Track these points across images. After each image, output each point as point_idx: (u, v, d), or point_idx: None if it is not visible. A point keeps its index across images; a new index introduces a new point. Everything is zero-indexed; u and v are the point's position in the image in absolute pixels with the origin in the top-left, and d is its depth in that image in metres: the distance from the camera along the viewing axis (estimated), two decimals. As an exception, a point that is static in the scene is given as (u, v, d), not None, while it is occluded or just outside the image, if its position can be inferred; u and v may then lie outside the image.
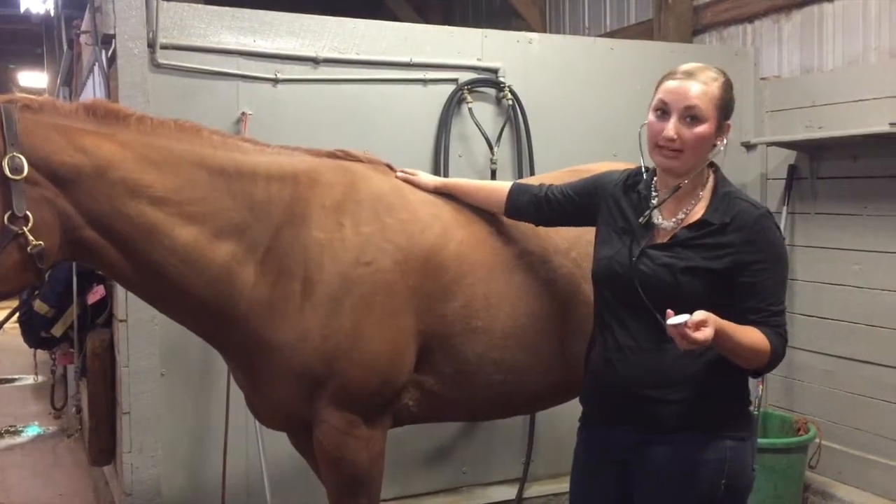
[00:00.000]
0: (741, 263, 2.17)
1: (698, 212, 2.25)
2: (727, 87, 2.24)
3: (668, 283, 2.19)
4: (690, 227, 2.24)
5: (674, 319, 1.95)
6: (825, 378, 4.62)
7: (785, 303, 2.23)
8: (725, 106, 2.23)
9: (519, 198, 2.74)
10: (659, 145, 2.21)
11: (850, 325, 4.47)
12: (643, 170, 2.41)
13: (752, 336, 2.11)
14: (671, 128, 2.17)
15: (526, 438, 4.36)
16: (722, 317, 2.04)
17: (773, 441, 4.37)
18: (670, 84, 2.21)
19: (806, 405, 4.72)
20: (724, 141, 2.24)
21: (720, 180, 2.30)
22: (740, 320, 2.12)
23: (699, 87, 2.18)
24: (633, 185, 2.41)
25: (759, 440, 4.25)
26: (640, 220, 2.30)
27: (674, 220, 2.27)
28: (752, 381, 4.60)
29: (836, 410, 4.56)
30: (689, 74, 2.20)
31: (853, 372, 4.45)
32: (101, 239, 2.37)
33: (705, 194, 2.27)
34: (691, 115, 2.17)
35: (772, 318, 2.17)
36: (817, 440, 4.48)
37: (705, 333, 1.94)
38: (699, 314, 1.96)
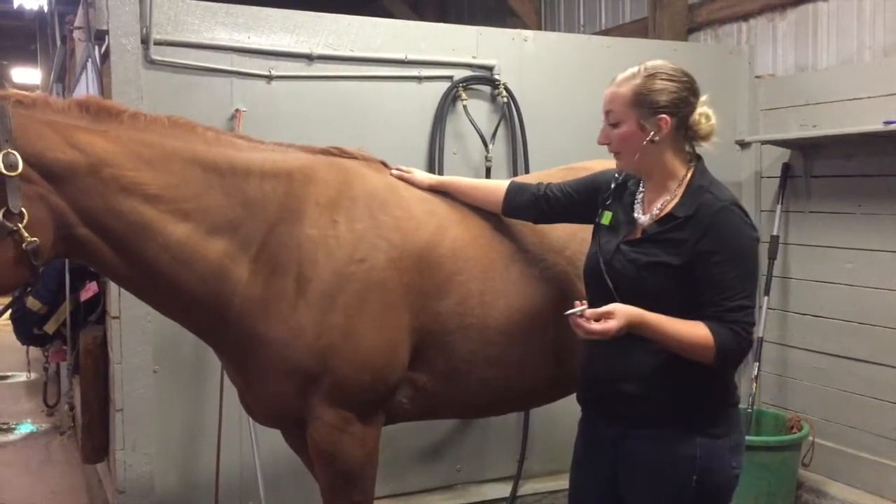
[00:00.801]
0: (696, 255, 2.18)
1: (669, 207, 2.27)
2: (646, 81, 2.25)
3: (631, 278, 2.24)
4: (659, 221, 2.27)
5: (572, 310, 2.11)
6: (818, 376, 4.63)
7: (749, 298, 2.19)
8: (642, 101, 2.25)
9: (517, 196, 2.75)
10: None
11: (844, 323, 4.48)
12: None
13: (686, 330, 2.14)
14: (600, 133, 2.34)
15: (520, 436, 4.36)
16: (694, 316, 2.12)
17: (767, 439, 4.38)
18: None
19: (799, 403, 4.74)
20: (664, 129, 2.25)
21: (697, 174, 2.30)
22: (699, 315, 2.16)
23: (610, 92, 2.32)
24: (624, 183, 2.46)
25: (753, 438, 4.28)
26: (600, 218, 2.42)
27: (649, 215, 2.31)
28: (746, 380, 4.65)
29: (829, 408, 4.57)
30: (613, 81, 2.34)
31: (846, 370, 4.46)
32: (94, 236, 2.36)
33: (680, 189, 2.29)
34: (611, 121, 2.31)
35: (727, 314, 2.16)
36: (810, 438, 4.49)
37: (606, 325, 2.08)
38: (608, 306, 2.11)
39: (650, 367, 2.25)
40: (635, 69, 2.30)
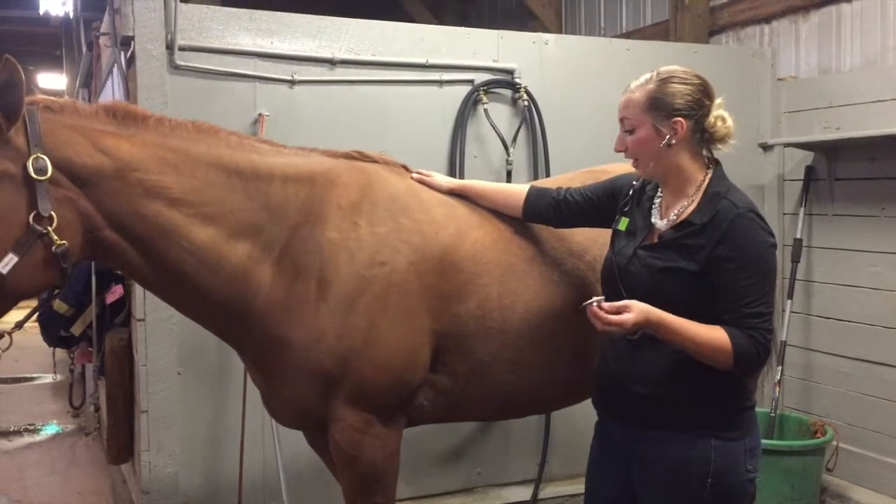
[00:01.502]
0: (713, 262, 2.19)
1: (687, 212, 2.29)
2: (660, 85, 2.28)
3: (646, 283, 2.26)
4: (676, 227, 2.28)
5: (590, 301, 2.16)
6: (842, 380, 4.59)
7: (766, 305, 2.19)
8: (657, 105, 2.27)
9: (537, 201, 2.76)
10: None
11: (868, 327, 4.44)
12: None
13: (704, 333, 2.15)
14: (616, 141, 2.35)
15: (541, 439, 4.36)
16: (711, 322, 2.15)
17: (790, 443, 4.35)
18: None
19: (823, 407, 4.70)
20: (679, 132, 2.26)
21: (715, 180, 2.31)
22: (718, 321, 2.18)
23: (624, 99, 2.34)
24: (643, 188, 2.47)
25: (776, 442, 4.26)
26: (617, 224, 2.44)
27: (666, 220, 2.32)
28: (769, 384, 4.61)
29: (853, 413, 4.53)
30: (627, 88, 2.35)
31: (871, 374, 4.42)
32: (120, 239, 2.39)
33: (698, 195, 2.30)
34: (626, 127, 2.33)
35: (745, 320, 2.16)
36: (834, 442, 4.45)
37: (622, 318, 2.11)
38: (626, 301, 2.14)
39: (664, 369, 2.25)
40: (648, 75, 2.32)
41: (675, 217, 2.30)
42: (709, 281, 2.19)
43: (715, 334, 2.15)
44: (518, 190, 2.84)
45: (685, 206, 2.29)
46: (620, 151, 2.37)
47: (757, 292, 2.17)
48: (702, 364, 2.19)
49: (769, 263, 2.23)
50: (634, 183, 2.51)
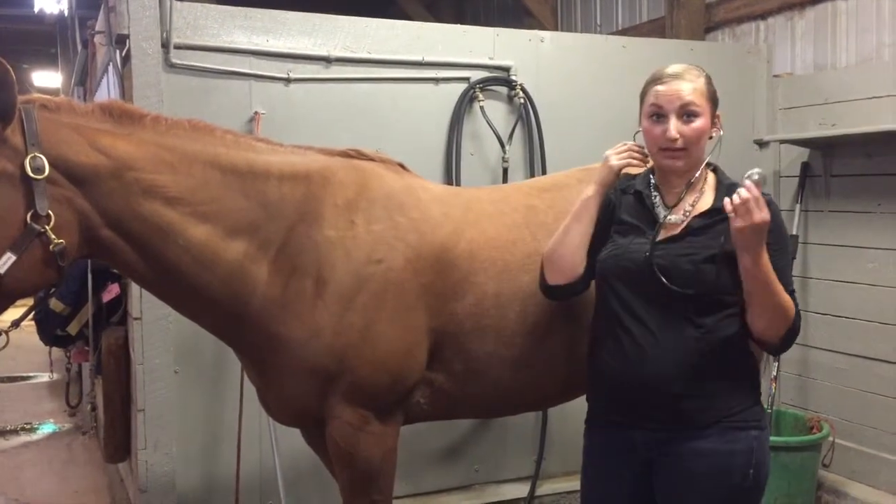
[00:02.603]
0: None
1: (707, 202, 2.31)
2: (710, 80, 2.34)
3: (689, 272, 2.22)
4: (703, 215, 2.29)
5: (753, 172, 2.08)
6: (839, 376, 4.60)
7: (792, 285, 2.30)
8: (714, 98, 2.33)
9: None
10: (662, 148, 2.28)
11: (865, 323, 4.45)
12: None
13: (782, 290, 2.18)
14: (673, 128, 2.25)
15: (538, 436, 4.36)
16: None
17: (787, 439, 4.36)
18: (660, 88, 2.29)
19: (819, 403, 4.71)
20: (720, 131, 2.34)
21: (721, 175, 2.39)
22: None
23: (690, 85, 2.27)
24: (628, 188, 2.45)
25: (773, 438, 4.26)
26: (667, 215, 2.33)
27: (682, 213, 2.32)
28: (766, 380, 4.63)
29: (849, 409, 4.54)
30: (676, 76, 2.29)
31: (867, 370, 4.43)
32: (117, 238, 2.39)
33: (708, 187, 2.34)
34: (688, 113, 2.26)
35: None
36: (831, 438, 4.46)
37: (764, 214, 2.05)
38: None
39: (701, 364, 2.23)
40: (688, 66, 2.32)
41: (691, 208, 2.31)
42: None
43: (787, 296, 2.19)
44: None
45: (697, 199, 2.32)
46: (674, 140, 2.25)
47: (789, 273, 2.29)
48: (730, 357, 2.23)
49: (790, 247, 2.30)
50: (638, 186, 2.44)
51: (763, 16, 5.18)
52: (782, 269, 2.22)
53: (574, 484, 4.28)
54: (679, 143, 2.25)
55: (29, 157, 2.21)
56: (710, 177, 2.36)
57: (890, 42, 4.44)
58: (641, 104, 2.36)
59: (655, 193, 2.38)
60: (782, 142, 4.81)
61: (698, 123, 2.25)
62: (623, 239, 2.37)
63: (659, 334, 2.26)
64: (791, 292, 2.24)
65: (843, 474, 4.52)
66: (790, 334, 2.23)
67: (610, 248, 2.39)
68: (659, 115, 2.28)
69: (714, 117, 2.32)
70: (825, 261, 4.67)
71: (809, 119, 4.71)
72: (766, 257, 2.12)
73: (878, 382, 4.38)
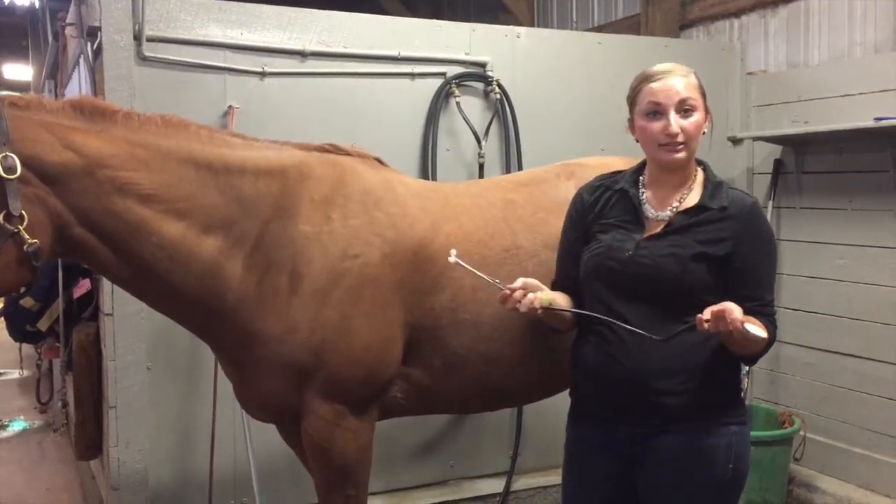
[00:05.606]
0: (739, 250, 2.23)
1: (693, 199, 2.31)
2: (697, 75, 2.36)
3: (671, 270, 2.23)
4: (686, 212, 2.29)
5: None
6: (810, 371, 4.66)
7: (773, 292, 2.31)
8: (704, 92, 2.35)
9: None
10: (662, 144, 2.28)
11: (835, 318, 4.50)
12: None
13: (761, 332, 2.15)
14: (674, 123, 2.25)
15: (513, 431, 4.38)
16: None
17: (758, 434, 4.39)
18: (655, 85, 2.28)
19: (791, 398, 4.76)
20: (710, 125, 2.36)
21: (709, 173, 2.38)
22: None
23: (683, 80, 2.29)
24: (611, 184, 2.44)
25: (745, 433, 4.30)
26: (657, 214, 2.33)
27: (668, 209, 2.32)
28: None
29: (820, 403, 4.60)
30: (668, 72, 2.30)
31: (838, 365, 4.49)
32: (91, 236, 2.37)
33: (696, 185, 2.34)
34: (686, 108, 2.27)
35: (765, 308, 2.24)
36: (802, 433, 4.52)
37: (738, 317, 2.01)
38: (721, 305, 2.02)
39: (682, 359, 2.24)
40: (675, 65, 2.34)
41: (677, 205, 2.31)
42: (726, 268, 2.23)
43: (762, 331, 2.12)
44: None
45: (685, 195, 2.32)
46: (674, 135, 2.24)
47: (772, 279, 2.30)
48: (716, 353, 2.23)
49: (776, 254, 2.35)
50: (585, 196, 2.47)
51: (737, 14, 5.22)
52: (766, 277, 2.25)
53: (549, 479, 4.31)
54: (680, 138, 2.26)
55: (0, 156, 2.18)
56: (700, 174, 2.37)
57: (862, 40, 4.49)
58: (633, 105, 2.34)
59: (643, 191, 2.38)
60: (756, 139, 4.85)
61: (696, 118, 2.28)
62: (606, 237, 2.37)
63: (658, 338, 2.24)
64: (771, 301, 2.25)
65: (815, 468, 4.58)
66: (765, 351, 2.23)
67: (594, 247, 2.39)
68: (657, 112, 2.27)
69: (706, 111, 2.33)
70: (797, 257, 4.72)
71: (783, 116, 4.76)
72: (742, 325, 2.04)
73: (849, 377, 4.43)
